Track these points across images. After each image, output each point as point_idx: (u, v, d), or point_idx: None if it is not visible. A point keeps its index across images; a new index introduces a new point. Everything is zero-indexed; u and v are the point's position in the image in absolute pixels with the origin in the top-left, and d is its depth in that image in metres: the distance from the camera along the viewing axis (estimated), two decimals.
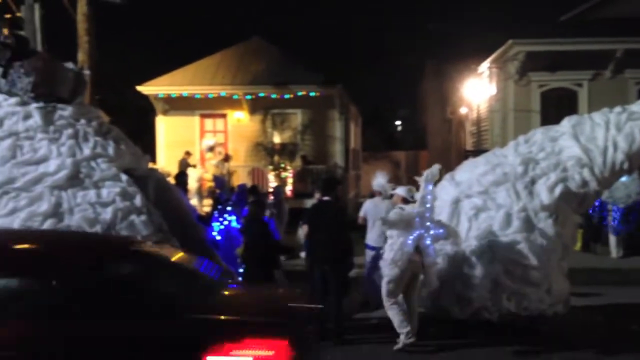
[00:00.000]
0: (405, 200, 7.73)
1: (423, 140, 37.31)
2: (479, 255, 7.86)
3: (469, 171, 8.88)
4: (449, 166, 20.54)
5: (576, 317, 8.42)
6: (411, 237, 7.30)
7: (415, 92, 38.05)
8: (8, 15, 11.54)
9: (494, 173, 8.51)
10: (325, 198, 8.14)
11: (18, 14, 12.20)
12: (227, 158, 19.01)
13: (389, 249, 7.39)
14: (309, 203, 13.09)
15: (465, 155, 17.77)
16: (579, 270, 10.10)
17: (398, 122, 50.96)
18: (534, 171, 8.41)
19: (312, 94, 19.79)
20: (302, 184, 19.10)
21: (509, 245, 7.86)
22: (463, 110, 25.17)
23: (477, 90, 21.42)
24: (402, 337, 7.31)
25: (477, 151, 16.41)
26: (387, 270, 7.36)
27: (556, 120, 9.35)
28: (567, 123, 8.89)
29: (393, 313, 7.35)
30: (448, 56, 25.56)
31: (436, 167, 7.67)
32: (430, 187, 7.52)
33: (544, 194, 8.15)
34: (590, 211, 12.95)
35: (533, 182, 8.32)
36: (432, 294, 7.91)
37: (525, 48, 17.96)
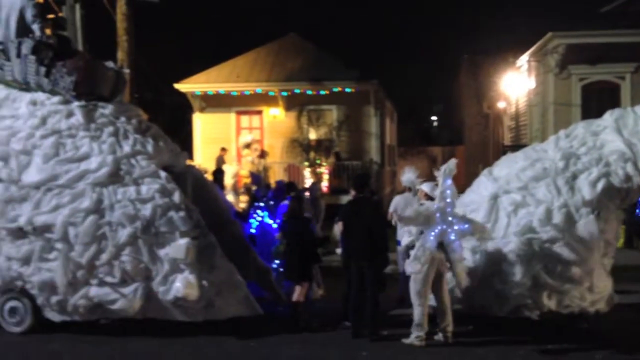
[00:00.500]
0: (429, 196, 7.64)
1: (459, 136, 36.91)
2: (518, 252, 7.74)
3: (507, 167, 8.76)
4: (486, 161, 20.26)
5: (619, 315, 8.22)
6: (432, 234, 7.24)
7: (451, 86, 37.66)
8: (51, 16, 11.84)
9: (534, 168, 8.38)
10: (360, 194, 8.11)
11: (60, 15, 12.48)
12: (263, 154, 19.12)
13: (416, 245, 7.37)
14: (345, 199, 13.07)
15: (503, 150, 17.51)
16: (622, 267, 9.86)
17: (434, 117, 50.50)
18: (575, 166, 8.24)
19: (348, 89, 19.75)
20: (338, 180, 19.09)
21: (549, 241, 7.73)
22: (501, 105, 24.81)
23: (516, 84, 21.07)
24: (413, 335, 7.31)
25: (516, 146, 16.14)
26: (410, 268, 7.32)
27: (598, 114, 9.14)
28: (609, 117, 8.69)
29: (416, 312, 7.34)
30: (485, 50, 25.21)
31: (453, 162, 7.58)
32: (449, 181, 7.43)
33: (585, 190, 7.98)
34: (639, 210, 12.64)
35: (574, 177, 8.15)
36: (470, 291, 7.82)
37: (566, 40, 17.59)
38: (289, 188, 10.32)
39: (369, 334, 7.56)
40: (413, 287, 7.36)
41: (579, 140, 8.59)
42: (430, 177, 8.25)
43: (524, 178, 8.31)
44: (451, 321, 7.36)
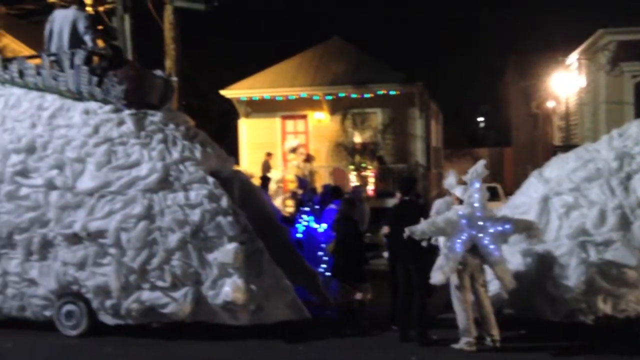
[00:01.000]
0: (462, 201, 7.50)
1: (507, 136, 36.27)
2: (571, 255, 7.55)
3: (558, 167, 8.56)
4: (535, 163, 19.84)
5: None
6: (459, 241, 7.11)
7: (497, 86, 37.05)
8: (101, 27, 12.15)
9: (586, 169, 8.17)
10: (406, 198, 8.05)
11: (110, 25, 12.81)
12: (308, 159, 19.17)
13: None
14: (391, 203, 13.00)
15: (553, 151, 17.09)
16: None
17: (480, 118, 49.78)
18: (629, 166, 8.01)
19: (392, 92, 19.66)
20: (383, 183, 19.01)
21: (604, 244, 7.51)
22: (550, 104, 24.25)
23: (565, 82, 20.57)
24: (462, 340, 7.19)
25: (567, 146, 15.74)
26: (433, 278, 7.21)
27: None
28: None
29: (459, 318, 7.23)
30: (532, 48, 24.71)
31: (481, 164, 7.41)
32: (477, 185, 7.27)
33: None
34: None
35: (629, 177, 7.92)
36: (521, 294, 7.66)
37: (617, 37, 17.10)
38: (335, 192, 10.31)
39: (417, 337, 7.49)
40: (452, 293, 7.27)
41: (633, 139, 8.35)
42: None
43: (576, 179, 8.12)
44: (495, 326, 7.22)
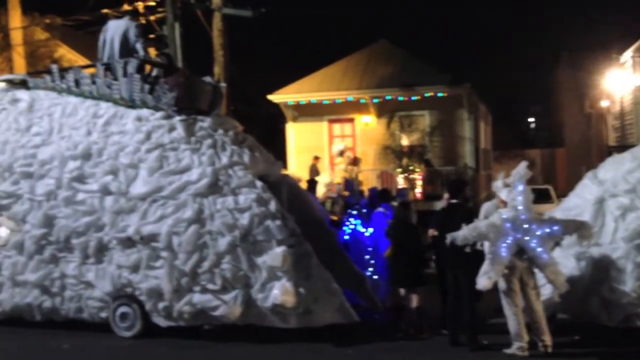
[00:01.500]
0: (507, 204, 7.33)
1: (559, 137, 35.42)
2: (627, 259, 7.33)
3: (613, 168, 8.33)
4: (589, 164, 19.35)
5: None
6: (503, 245, 6.95)
7: (549, 86, 36.25)
8: (152, 36, 12.47)
9: None
10: (454, 200, 7.95)
11: (161, 33, 13.12)
12: (356, 162, 19.18)
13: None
14: (439, 205, 12.84)
15: (608, 151, 16.64)
16: None
17: (531, 119, 48.72)
18: None
19: (440, 94, 19.48)
20: (431, 186, 18.83)
21: None
22: (604, 104, 23.62)
23: (620, 81, 20.00)
24: (514, 345, 7.05)
25: (622, 147, 15.30)
26: (479, 284, 7.07)
27: None
28: None
29: (510, 324, 7.09)
30: (585, 46, 24.10)
31: (523, 165, 7.24)
32: (521, 187, 7.10)
33: None
34: None
35: None
36: (575, 299, 7.48)
37: None
38: (383, 195, 10.26)
39: (467, 342, 7.40)
40: (502, 298, 7.14)
41: None
42: (530, 182, 7.96)
43: (632, 180, 7.89)
44: (547, 331, 7.05)
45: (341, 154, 18.94)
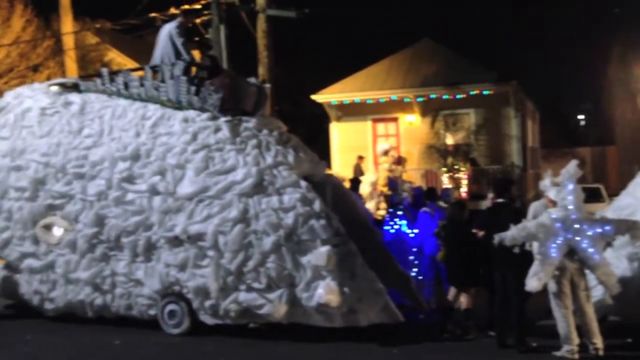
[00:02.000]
0: (555, 203, 7.15)
1: (610, 135, 34.43)
2: None
3: None
4: None
5: None
6: (553, 246, 6.79)
7: (599, 82, 35.29)
8: (197, 38, 12.67)
9: None
10: (500, 200, 7.81)
11: (207, 36, 13.32)
12: (400, 161, 19.06)
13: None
14: (485, 205, 12.65)
15: None
16: None
17: (581, 116, 47.48)
18: None
19: (486, 92, 19.20)
20: (477, 185, 18.57)
21: None
22: None
23: None
24: (564, 348, 6.90)
25: None
26: (528, 286, 6.92)
27: None
28: None
29: (560, 326, 6.94)
30: (637, 40, 23.35)
31: (573, 164, 7.05)
32: (571, 187, 6.92)
33: None
34: None
35: None
36: (627, 301, 7.27)
37: None
38: (429, 195, 10.15)
39: (515, 344, 7.28)
40: (551, 300, 7.00)
41: None
42: (581, 181, 7.78)
43: None
44: (598, 334, 6.88)
45: (386, 153, 18.83)
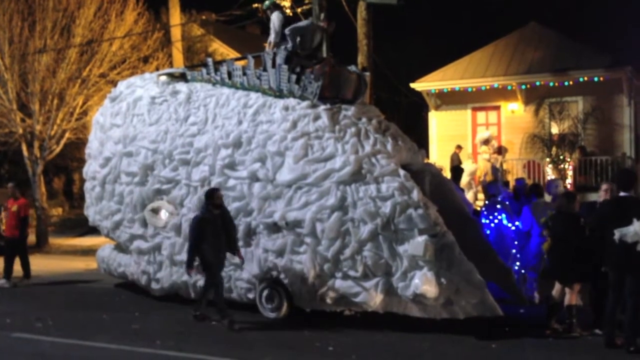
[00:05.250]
0: None
1: None
2: None
3: None
4: None
5: None
6: None
7: None
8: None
9: None
10: (624, 193, 7.27)
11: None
12: (500, 151, 18.48)
13: None
14: (592, 197, 12.04)
15: None
16: None
17: None
18: None
19: (596, 79, 18.17)
20: (583, 176, 17.67)
21: None
22: None
23: None
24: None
25: None
26: None
27: None
28: None
29: None
30: None
31: None
32: None
33: None
34: None
35: None
36: None
37: None
38: (533, 190, 9.73)
39: (625, 344, 6.88)
40: None
41: None
42: None
43: None
44: None
45: (486, 142, 18.34)
